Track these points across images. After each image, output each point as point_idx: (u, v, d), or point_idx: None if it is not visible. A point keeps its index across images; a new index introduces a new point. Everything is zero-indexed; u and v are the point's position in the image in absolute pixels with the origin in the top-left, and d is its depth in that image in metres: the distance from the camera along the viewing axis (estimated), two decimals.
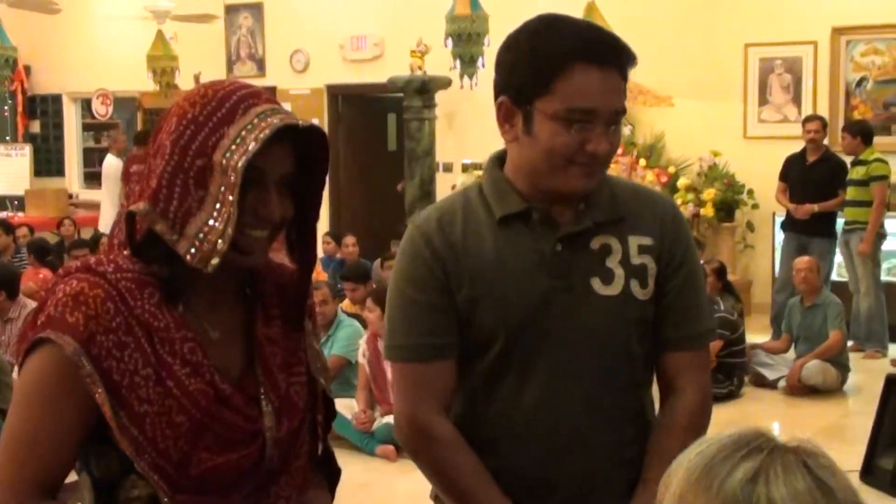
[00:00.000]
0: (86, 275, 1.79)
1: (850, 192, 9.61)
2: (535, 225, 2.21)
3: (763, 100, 11.69)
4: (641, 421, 2.31)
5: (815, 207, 9.57)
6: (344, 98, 14.26)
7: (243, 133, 1.79)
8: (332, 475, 2.15)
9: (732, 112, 11.70)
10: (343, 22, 13.73)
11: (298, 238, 1.97)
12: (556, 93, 2.09)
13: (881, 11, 10.90)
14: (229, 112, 1.81)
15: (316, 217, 1.98)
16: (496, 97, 2.19)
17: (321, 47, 13.94)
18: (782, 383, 8.42)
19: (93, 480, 1.83)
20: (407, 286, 2.23)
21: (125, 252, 1.84)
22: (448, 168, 13.06)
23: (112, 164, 13.09)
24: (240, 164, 1.76)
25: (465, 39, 10.52)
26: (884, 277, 9.86)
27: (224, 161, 1.78)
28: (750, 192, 11.37)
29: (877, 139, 10.24)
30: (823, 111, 10.87)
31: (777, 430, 5.78)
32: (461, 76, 10.65)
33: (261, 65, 14.57)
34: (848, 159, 9.77)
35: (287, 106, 14.36)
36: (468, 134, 12.79)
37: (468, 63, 10.57)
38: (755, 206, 11.35)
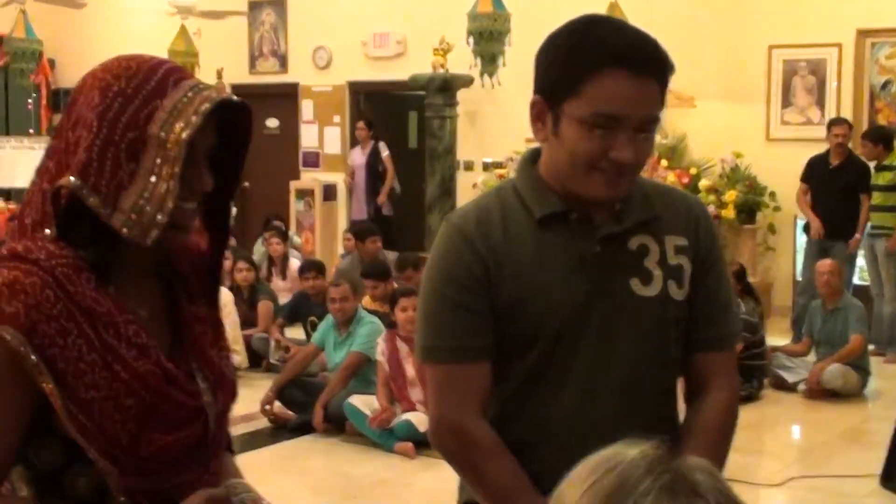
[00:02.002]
0: (16, 263, 1.75)
1: (876, 198, 9.59)
2: (574, 226, 2.19)
3: (786, 102, 11.66)
4: (672, 426, 2.31)
5: (857, 235, 9.55)
6: (366, 95, 14.27)
7: (179, 106, 1.79)
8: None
9: (755, 114, 11.67)
10: (366, 19, 13.74)
11: (215, 213, 1.96)
12: (584, 96, 2.06)
13: None
14: (159, 85, 1.81)
15: (233, 192, 1.97)
16: (534, 95, 2.18)
17: (344, 44, 13.96)
18: (802, 386, 8.39)
19: (34, 472, 1.81)
20: (445, 286, 2.19)
21: (46, 232, 1.81)
22: (469, 166, 13.07)
23: None
24: (183, 137, 1.76)
25: (487, 38, 10.51)
26: None
27: (162, 134, 1.77)
28: (772, 194, 11.34)
29: None
30: (847, 114, 10.84)
31: (798, 435, 5.77)
32: (482, 75, 10.63)
33: (283, 61, 14.60)
34: (871, 163, 9.74)
35: (309, 103, 14.45)
36: (489, 132, 12.79)
37: (489, 61, 10.55)
38: (777, 209, 11.32)
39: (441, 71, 12.07)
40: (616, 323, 2.19)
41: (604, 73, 2.05)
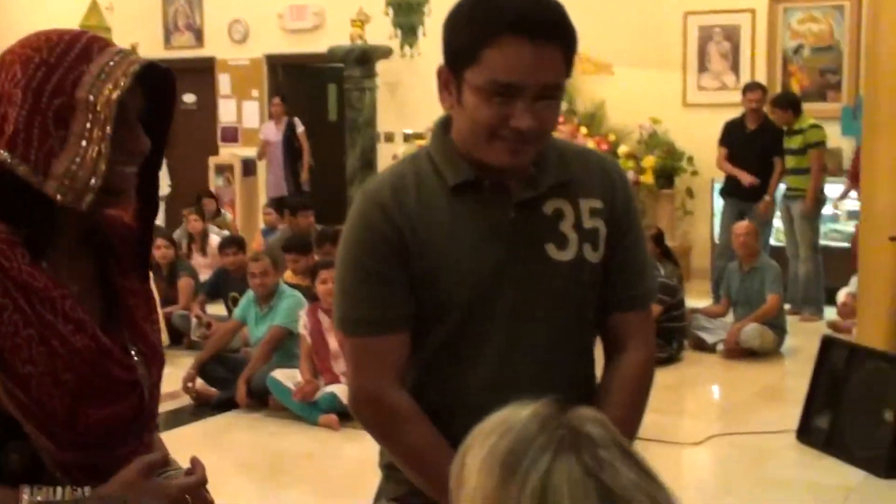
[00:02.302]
0: None
1: (789, 161, 9.74)
2: (487, 193, 2.18)
3: (702, 67, 11.78)
4: (589, 385, 2.33)
5: (767, 198, 9.71)
6: (284, 68, 14.17)
7: (107, 69, 1.77)
8: None
9: (672, 80, 11.78)
10: None
11: (143, 182, 1.93)
12: (482, 64, 2.04)
13: None
14: (84, 51, 1.79)
15: (160, 161, 1.96)
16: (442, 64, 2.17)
17: (260, 17, 13.85)
18: (721, 347, 8.53)
19: None
20: (361, 256, 2.18)
21: None
22: (389, 138, 13.04)
23: None
24: (113, 97, 1.75)
25: (405, 9, 10.49)
26: (821, 242, 10.01)
27: (91, 97, 1.75)
28: (689, 158, 11.48)
29: (812, 105, 10.40)
30: (761, 78, 10.98)
31: (717, 394, 5.86)
32: (401, 46, 10.61)
33: (199, 35, 14.44)
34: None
35: (226, 78, 14.33)
36: (409, 104, 12.76)
37: (408, 32, 10.53)
38: (695, 173, 11.45)
39: (359, 42, 12.03)
40: (532, 288, 2.19)
41: (501, 40, 2.02)
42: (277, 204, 11.85)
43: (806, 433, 6.25)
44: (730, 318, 8.85)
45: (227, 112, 14.40)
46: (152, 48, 14.07)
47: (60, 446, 1.76)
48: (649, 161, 11.36)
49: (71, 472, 1.79)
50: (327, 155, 13.42)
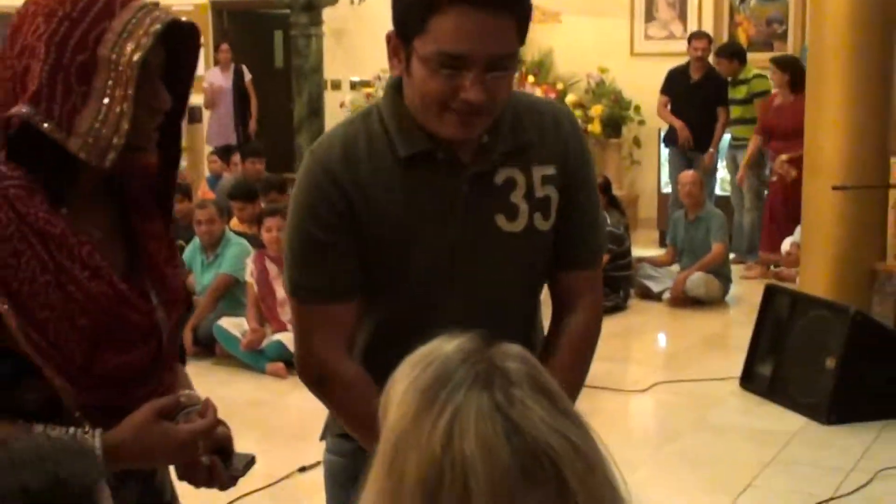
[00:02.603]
0: None
1: (735, 111, 9.80)
2: (440, 164, 2.12)
3: (649, 16, 11.79)
4: (533, 340, 2.34)
5: (711, 150, 9.76)
6: (229, 14, 14.02)
7: (129, 27, 1.77)
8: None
9: (619, 29, 11.78)
10: None
11: (166, 130, 1.93)
12: (429, 33, 1.95)
13: None
14: (107, 6, 1.78)
15: (183, 110, 1.97)
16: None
17: None
18: (667, 295, 8.61)
19: None
20: (310, 224, 2.14)
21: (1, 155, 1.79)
22: (336, 85, 12.96)
23: None
24: (135, 59, 1.75)
25: None
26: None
27: (114, 56, 1.76)
28: (636, 108, 11.51)
29: (759, 55, 10.44)
30: (708, 28, 11.01)
31: (663, 342, 5.91)
32: None
33: None
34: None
35: None
36: (356, 51, 12.68)
37: None
38: (642, 123, 11.49)
39: None
40: (482, 259, 2.18)
41: (449, 8, 1.93)
42: (223, 152, 11.74)
43: (749, 380, 6.33)
44: (675, 266, 8.92)
45: None
46: None
47: (79, 388, 1.79)
48: (597, 110, 11.38)
49: (89, 413, 1.81)
50: (274, 102, 13.33)
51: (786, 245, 9.15)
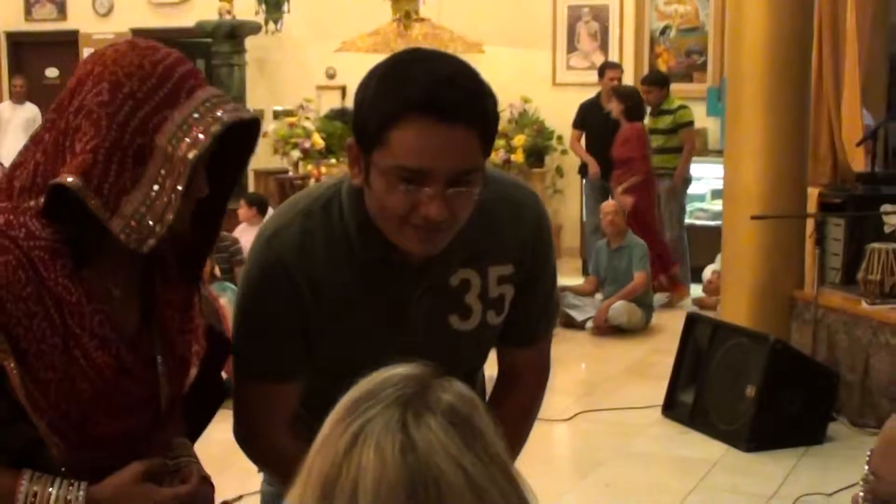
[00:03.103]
0: None
1: (657, 140, 9.89)
2: (397, 269, 2.07)
3: (571, 47, 11.90)
4: None
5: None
6: None
7: (189, 121, 1.77)
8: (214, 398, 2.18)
9: (542, 59, 11.87)
10: None
11: (209, 212, 1.95)
12: (389, 146, 1.87)
13: None
14: (172, 93, 1.79)
15: (229, 196, 1.98)
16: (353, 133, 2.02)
17: None
18: (590, 324, 8.65)
19: None
20: (261, 310, 2.10)
21: (31, 204, 1.79)
22: (259, 115, 12.89)
23: None
24: (190, 156, 1.75)
25: None
26: (687, 220, 10.21)
27: (170, 148, 1.76)
28: (559, 137, 11.59)
29: (678, 86, 10.57)
30: (629, 59, 11.16)
31: (586, 371, 5.91)
32: (266, 21, 10.52)
33: (62, 8, 14.05)
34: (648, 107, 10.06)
35: (90, 52, 13.95)
36: (279, 80, 12.64)
37: (273, 8, 10.46)
38: (564, 152, 11.57)
39: (228, 17, 11.86)
40: (430, 355, 2.14)
41: (408, 121, 1.85)
42: None
43: (671, 408, 6.38)
44: (599, 295, 8.97)
45: None
46: (12, 20, 13.70)
47: (71, 447, 1.81)
48: (519, 140, 11.43)
49: (77, 468, 1.83)
50: None
51: (706, 273, 9.25)
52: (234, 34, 11.89)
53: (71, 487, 1.80)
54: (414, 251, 2.01)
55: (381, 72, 1.92)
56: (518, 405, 2.30)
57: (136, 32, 13.58)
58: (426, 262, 2.06)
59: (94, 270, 1.83)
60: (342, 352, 2.13)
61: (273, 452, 2.18)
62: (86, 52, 13.83)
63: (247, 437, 2.23)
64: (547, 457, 5.95)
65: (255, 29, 11.87)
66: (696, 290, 9.75)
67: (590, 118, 10.15)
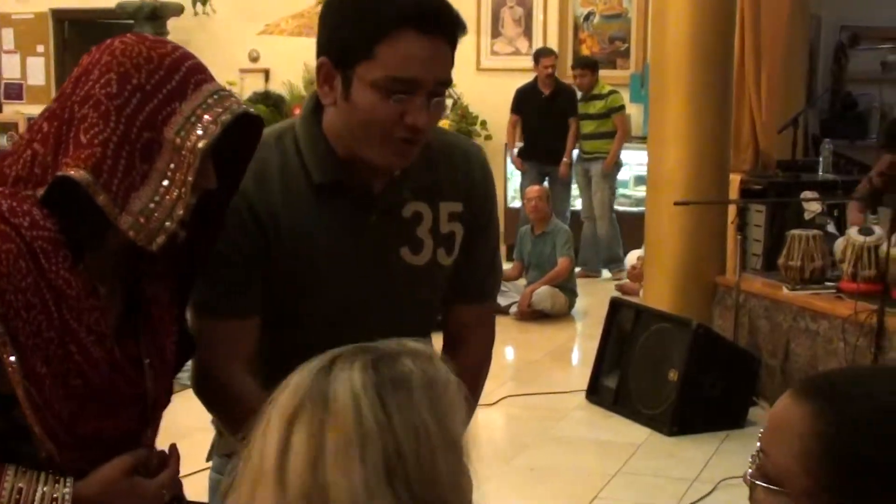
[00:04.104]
0: None
1: (589, 126, 9.97)
2: (352, 193, 2.14)
3: (496, 33, 11.90)
4: None
5: (566, 159, 9.92)
6: (70, 23, 13.65)
7: (198, 112, 1.76)
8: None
9: (466, 44, 11.74)
10: None
11: (212, 212, 1.93)
12: (378, 59, 1.97)
13: None
14: (180, 85, 1.76)
15: (232, 193, 1.97)
16: (317, 56, 2.07)
17: None
18: (514, 309, 8.68)
19: None
20: (220, 242, 2.08)
21: (31, 193, 1.75)
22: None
23: None
24: (200, 146, 1.74)
25: None
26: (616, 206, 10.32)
27: (178, 140, 1.74)
28: (483, 123, 11.60)
29: (603, 72, 10.63)
30: (553, 44, 11.17)
31: (510, 356, 5.94)
32: (193, 3, 10.39)
33: None
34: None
35: (10, 32, 13.74)
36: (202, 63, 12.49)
37: None
38: (489, 138, 11.57)
39: None
40: (383, 289, 2.21)
41: (398, 34, 1.96)
42: None
43: (595, 393, 6.43)
44: (523, 281, 9.01)
45: (10, 68, 13.79)
46: None
47: (59, 446, 1.77)
48: (444, 125, 11.42)
49: (64, 468, 1.80)
50: None
51: (631, 259, 9.33)
52: (155, 15, 11.74)
53: (57, 484, 1.77)
54: (390, 165, 2.09)
55: None
56: (470, 365, 2.29)
57: (57, 12, 13.39)
58: (380, 186, 2.14)
59: (87, 266, 1.79)
60: (300, 280, 2.16)
61: (231, 393, 2.16)
62: (4, 32, 13.60)
63: (202, 379, 2.20)
64: (472, 441, 5.95)
65: (177, 10, 11.73)
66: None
67: (528, 103, 10.20)
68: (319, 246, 2.15)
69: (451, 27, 2.04)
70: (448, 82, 2.07)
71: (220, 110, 1.78)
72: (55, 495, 1.76)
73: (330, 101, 2.07)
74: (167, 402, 1.99)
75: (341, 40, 2.01)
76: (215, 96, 1.80)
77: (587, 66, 10.06)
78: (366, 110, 2.01)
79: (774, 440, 1.35)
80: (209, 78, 1.83)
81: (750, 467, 1.38)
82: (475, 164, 2.29)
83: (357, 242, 2.16)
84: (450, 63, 2.06)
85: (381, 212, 2.16)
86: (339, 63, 2.02)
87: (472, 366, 2.32)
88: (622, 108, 10.03)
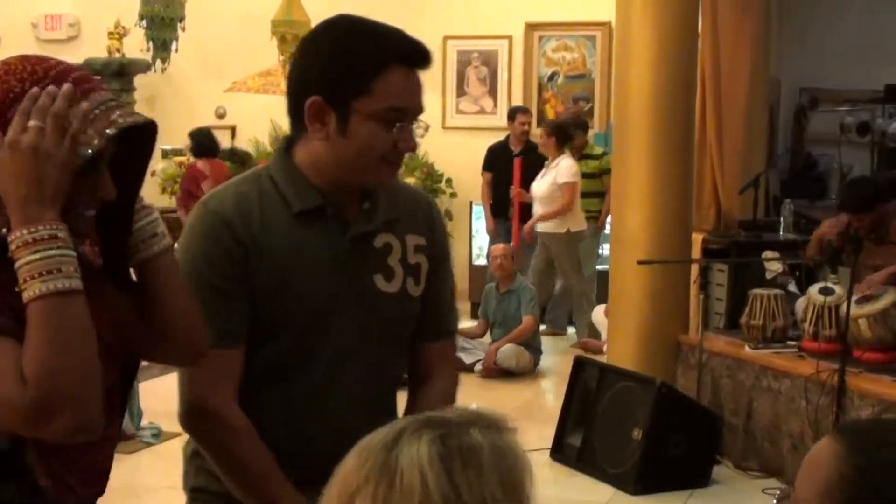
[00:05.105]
0: None
1: (582, 185, 10.00)
2: (329, 221, 2.29)
3: (461, 91, 12.01)
4: (394, 411, 2.46)
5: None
6: None
7: (87, 121, 1.77)
8: None
9: (432, 103, 11.80)
10: None
11: (114, 218, 1.95)
12: (375, 93, 2.18)
13: (571, 9, 11.39)
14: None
15: (135, 197, 1.98)
16: (301, 97, 2.22)
17: (12, 25, 13.28)
18: (479, 367, 8.69)
19: None
20: (206, 269, 2.22)
21: None
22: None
23: None
24: (82, 154, 1.76)
25: (159, 23, 10.34)
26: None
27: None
28: (448, 181, 11.66)
29: None
30: (517, 104, 11.26)
31: None
32: (153, 60, 10.47)
33: None
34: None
35: None
36: (167, 119, 12.44)
37: (161, 47, 10.42)
38: (453, 195, 11.64)
39: (117, 55, 11.74)
40: (360, 316, 2.31)
41: (391, 69, 2.19)
42: None
43: (559, 451, 6.43)
44: (488, 338, 9.02)
45: None
46: None
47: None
48: (411, 182, 11.47)
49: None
50: None
51: (597, 314, 9.33)
52: (123, 72, 11.77)
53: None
54: (383, 180, 2.29)
55: (334, 36, 2.24)
56: (439, 399, 2.39)
57: None
58: (353, 216, 2.31)
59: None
60: (278, 303, 2.25)
61: (222, 426, 2.23)
62: None
63: (193, 410, 2.25)
64: None
65: (144, 67, 11.76)
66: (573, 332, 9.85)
67: (499, 161, 10.26)
68: (300, 267, 2.25)
69: (428, 61, 2.27)
70: (422, 111, 2.27)
71: (108, 122, 1.80)
72: None
73: (321, 137, 2.23)
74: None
75: (335, 79, 2.20)
76: (103, 105, 1.81)
77: (579, 126, 10.12)
78: (365, 140, 2.21)
79: (804, 477, 1.43)
80: (97, 86, 1.85)
81: (778, 502, 1.45)
82: (431, 205, 2.52)
83: (335, 266, 2.28)
84: (422, 91, 2.28)
85: (354, 239, 2.30)
86: (332, 100, 2.20)
87: (441, 400, 2.40)
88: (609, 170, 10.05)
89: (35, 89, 1.77)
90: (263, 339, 2.27)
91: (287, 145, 2.33)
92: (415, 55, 2.24)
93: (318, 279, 2.27)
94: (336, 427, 2.27)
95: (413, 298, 2.38)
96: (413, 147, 2.26)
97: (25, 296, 1.73)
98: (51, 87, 1.77)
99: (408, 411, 2.42)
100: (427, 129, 2.29)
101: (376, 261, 2.33)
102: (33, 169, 1.73)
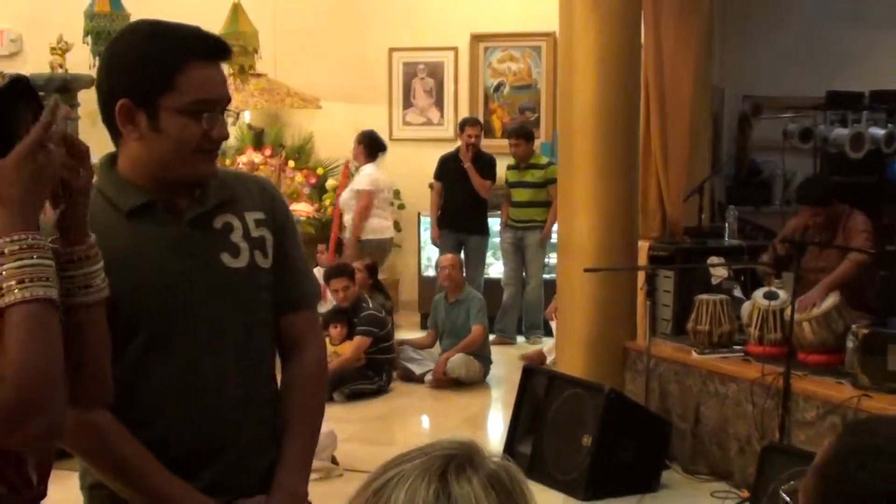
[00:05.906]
0: None
1: (523, 195, 10.02)
2: (161, 214, 2.37)
3: (407, 103, 12.01)
4: (272, 383, 2.57)
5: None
6: None
7: None
8: None
9: (378, 114, 11.95)
10: None
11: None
12: (178, 88, 2.27)
13: (516, 20, 11.44)
14: None
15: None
16: (111, 102, 2.29)
17: None
18: (429, 377, 8.69)
19: None
20: None
21: None
22: (95, 169, 12.63)
23: None
24: None
25: (105, 38, 10.24)
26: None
27: None
28: (396, 192, 11.65)
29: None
30: (464, 115, 11.29)
31: (426, 424, 5.94)
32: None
33: None
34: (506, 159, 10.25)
35: None
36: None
37: None
38: (402, 207, 11.63)
39: (60, 71, 11.65)
40: (213, 295, 2.39)
41: (190, 64, 2.28)
42: None
43: (509, 459, 6.42)
44: (437, 348, 9.03)
45: None
46: None
47: None
48: None
49: None
50: None
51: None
52: (66, 87, 11.65)
53: None
54: (206, 173, 2.37)
55: (136, 39, 2.31)
56: (310, 370, 2.55)
57: None
58: (185, 204, 2.39)
59: None
60: (125, 302, 2.25)
61: (88, 429, 2.23)
62: None
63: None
64: None
65: (88, 83, 11.67)
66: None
67: (449, 171, 10.29)
68: (140, 261, 2.33)
69: (226, 52, 2.37)
70: (230, 100, 2.38)
71: None
72: None
73: (136, 137, 2.32)
74: None
75: (139, 80, 2.28)
76: None
77: (522, 135, 10.14)
78: (177, 133, 2.29)
79: (806, 492, 1.49)
80: None
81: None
82: (267, 185, 2.62)
83: (176, 253, 2.36)
84: (226, 81, 2.41)
85: (191, 223, 2.39)
86: (140, 100, 2.28)
87: (314, 371, 2.56)
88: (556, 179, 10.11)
89: (55, 97, 1.85)
90: (129, 336, 2.31)
91: (110, 160, 2.41)
92: (212, 49, 2.33)
93: (160, 269, 2.34)
94: (217, 402, 2.39)
95: (264, 270, 2.46)
96: (225, 135, 2.34)
97: (4, 300, 1.75)
98: (65, 108, 1.84)
99: (283, 384, 2.53)
100: (238, 116, 2.36)
101: (219, 240, 2.41)
102: (32, 182, 1.82)
